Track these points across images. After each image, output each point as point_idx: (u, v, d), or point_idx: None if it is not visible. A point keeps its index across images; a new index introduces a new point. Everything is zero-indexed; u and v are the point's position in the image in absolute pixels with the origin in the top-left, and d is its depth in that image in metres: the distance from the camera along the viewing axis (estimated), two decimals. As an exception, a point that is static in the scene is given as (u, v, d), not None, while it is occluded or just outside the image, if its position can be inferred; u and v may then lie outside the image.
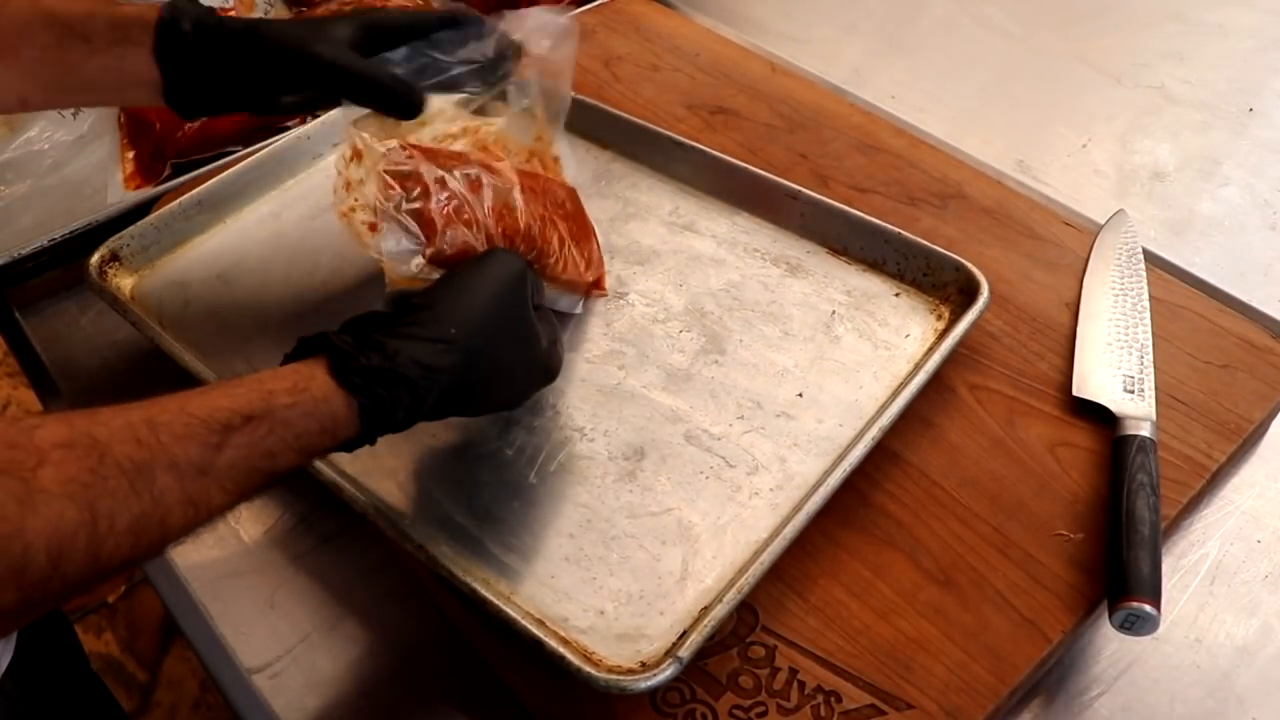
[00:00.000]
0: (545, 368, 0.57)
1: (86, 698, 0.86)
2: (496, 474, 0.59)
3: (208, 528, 0.43)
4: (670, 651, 0.49)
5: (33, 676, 0.66)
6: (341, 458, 0.59)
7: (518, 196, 0.58)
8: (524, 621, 0.50)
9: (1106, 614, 0.52)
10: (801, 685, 0.51)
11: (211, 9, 0.62)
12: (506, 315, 0.54)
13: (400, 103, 0.60)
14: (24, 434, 0.38)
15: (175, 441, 0.41)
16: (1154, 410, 0.61)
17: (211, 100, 0.62)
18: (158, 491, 0.40)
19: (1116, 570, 0.52)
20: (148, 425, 0.41)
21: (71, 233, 0.77)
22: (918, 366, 0.62)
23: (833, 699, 0.50)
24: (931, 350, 0.63)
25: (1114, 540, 0.54)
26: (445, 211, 0.55)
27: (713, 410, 0.62)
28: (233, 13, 0.94)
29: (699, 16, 0.99)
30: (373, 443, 0.49)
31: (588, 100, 0.80)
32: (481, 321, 0.52)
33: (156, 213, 0.74)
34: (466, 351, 0.50)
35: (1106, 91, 0.93)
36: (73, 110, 0.89)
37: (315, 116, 0.81)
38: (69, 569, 0.37)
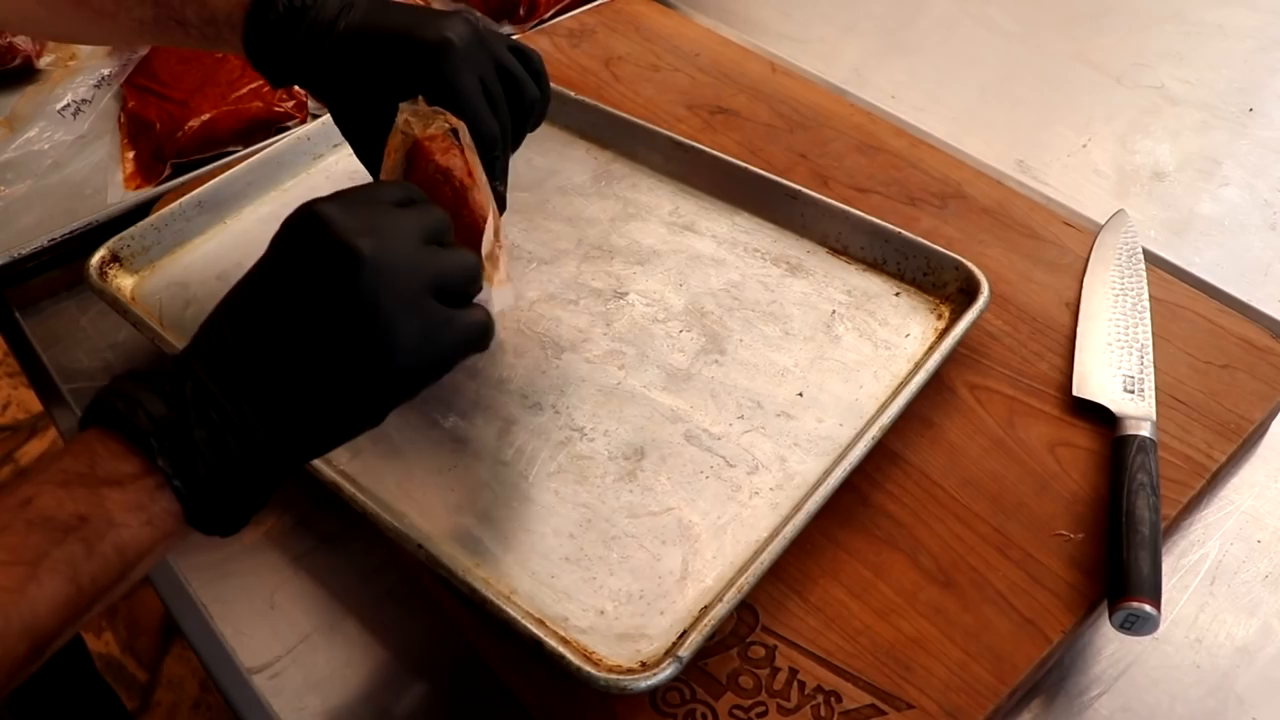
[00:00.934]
0: (433, 337, 0.44)
1: (91, 700, 0.86)
2: (496, 474, 0.59)
3: (48, 613, 0.38)
4: (670, 651, 0.49)
5: (38, 682, 0.66)
6: (341, 457, 0.60)
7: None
8: (524, 621, 0.50)
9: (1106, 614, 0.52)
10: (801, 685, 0.51)
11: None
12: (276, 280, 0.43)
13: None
14: None
15: None
16: (1154, 410, 0.61)
17: (303, 75, 0.61)
18: None
19: (1116, 570, 0.52)
20: None
21: (71, 233, 0.77)
22: (918, 366, 0.62)
23: (833, 699, 0.50)
24: (932, 350, 0.63)
25: (1114, 540, 0.54)
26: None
27: (713, 410, 0.62)
28: None
29: (699, 16, 0.99)
30: (194, 484, 0.41)
31: (588, 100, 0.80)
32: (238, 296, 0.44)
33: (156, 213, 0.74)
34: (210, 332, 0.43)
35: (1106, 91, 0.93)
36: (73, 110, 0.89)
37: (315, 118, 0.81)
38: None
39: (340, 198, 0.45)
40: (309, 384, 0.42)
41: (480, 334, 0.47)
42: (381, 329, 0.42)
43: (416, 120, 0.55)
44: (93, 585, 0.39)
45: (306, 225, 0.43)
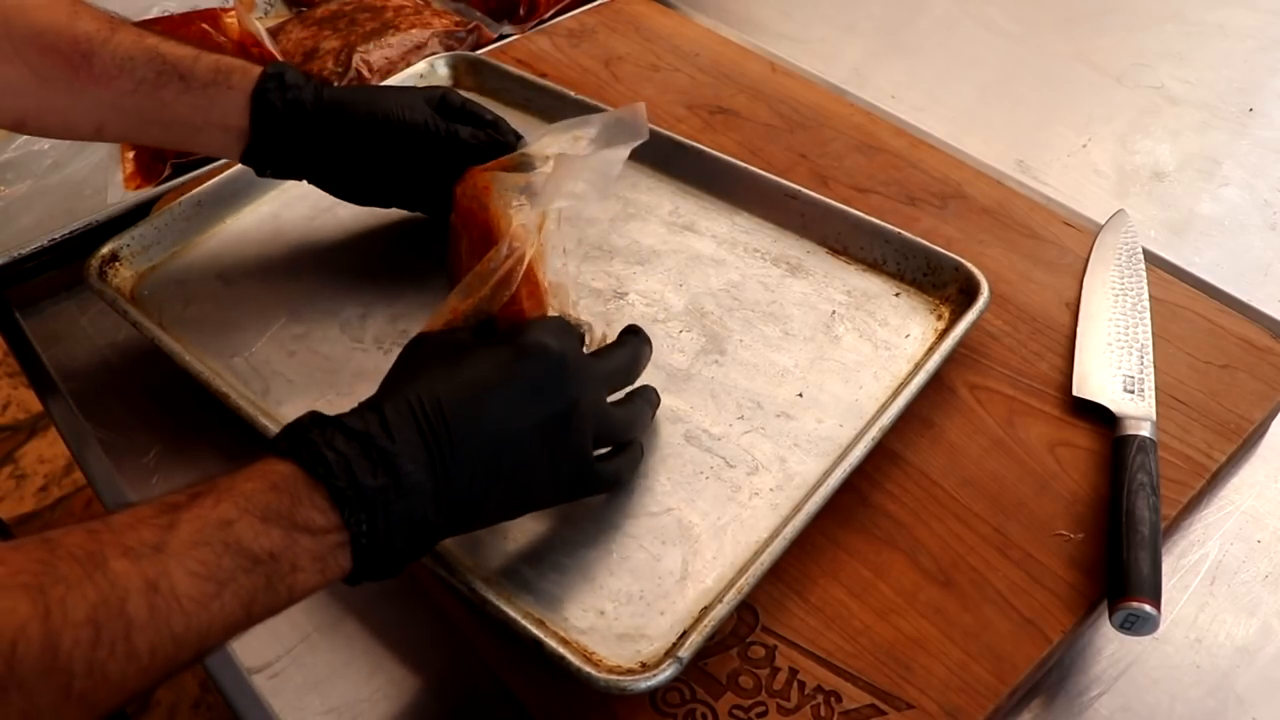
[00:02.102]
0: (590, 473, 0.53)
1: None
2: (496, 474, 0.59)
3: (208, 628, 0.40)
4: (670, 652, 0.49)
5: None
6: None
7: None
8: (524, 622, 0.50)
9: (1106, 614, 0.52)
10: (801, 685, 0.51)
11: (310, 76, 0.67)
12: (511, 409, 0.48)
13: (495, 147, 0.66)
14: None
15: (126, 528, 0.39)
16: (1154, 410, 0.61)
17: (288, 157, 0.66)
18: (113, 575, 0.37)
19: (1116, 570, 0.52)
20: (99, 520, 0.40)
21: (71, 233, 0.77)
22: (918, 366, 0.62)
23: (833, 699, 0.50)
24: (932, 350, 0.63)
25: (1114, 540, 0.54)
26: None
27: (713, 410, 0.62)
28: (232, 18, 0.94)
29: (699, 16, 0.99)
30: (375, 550, 0.44)
31: (588, 100, 0.80)
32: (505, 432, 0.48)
33: (156, 213, 0.74)
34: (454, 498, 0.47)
35: (1106, 91, 0.93)
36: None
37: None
38: (24, 669, 0.35)
39: (557, 336, 0.51)
40: (495, 474, 0.48)
41: (611, 480, 0.56)
42: (566, 447, 0.50)
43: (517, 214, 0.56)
44: (260, 614, 0.42)
45: (536, 350, 0.50)
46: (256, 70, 0.65)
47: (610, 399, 0.54)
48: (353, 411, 0.47)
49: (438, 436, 0.46)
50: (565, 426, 0.49)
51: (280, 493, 0.42)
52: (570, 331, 0.53)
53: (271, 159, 0.67)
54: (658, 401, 0.59)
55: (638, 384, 0.58)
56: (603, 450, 0.54)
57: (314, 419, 0.45)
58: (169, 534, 0.40)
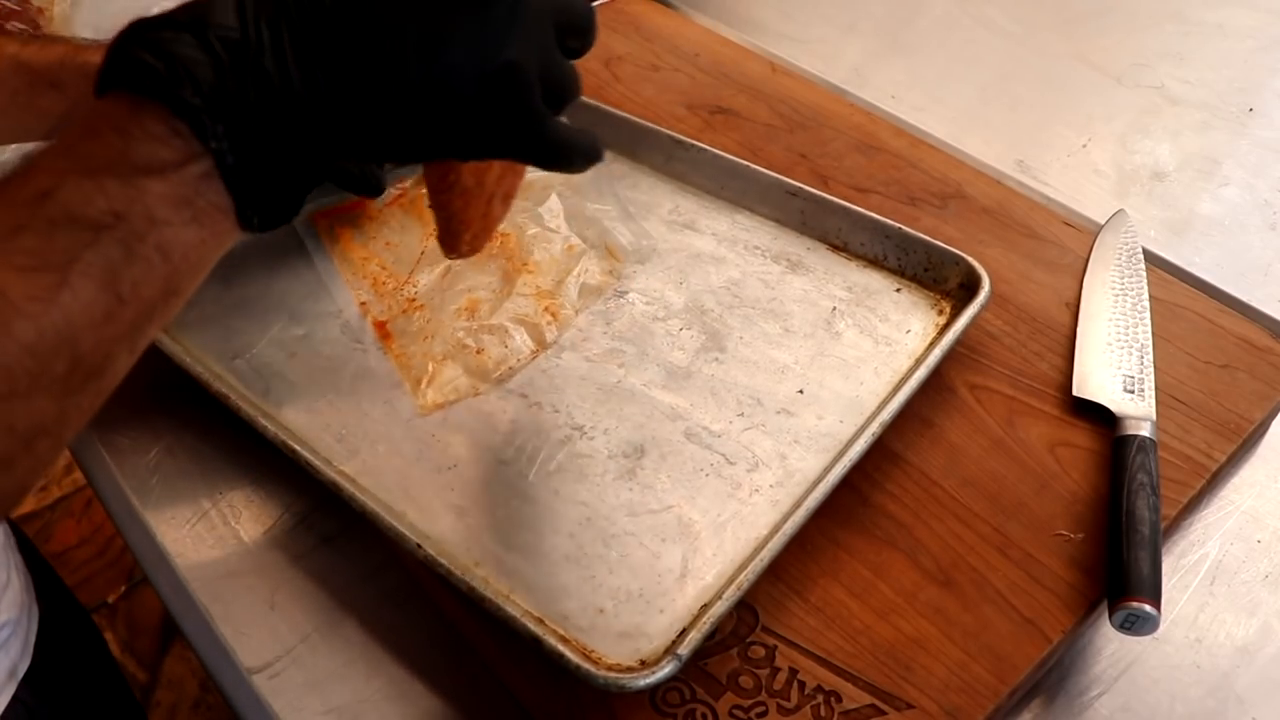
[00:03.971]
0: (527, 112, 0.39)
1: (109, 695, 0.85)
2: (496, 473, 0.59)
3: (92, 332, 0.33)
4: (670, 649, 0.49)
5: (55, 676, 0.66)
6: (341, 457, 0.60)
7: None
8: (523, 620, 0.50)
9: (1106, 614, 0.52)
10: (801, 685, 0.51)
11: None
12: None
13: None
14: None
15: None
16: (1154, 410, 0.61)
17: None
18: None
19: (1116, 570, 0.52)
20: None
21: (71, 232, 0.76)
22: (919, 362, 0.62)
23: (833, 699, 0.50)
24: (933, 345, 0.63)
25: (1114, 540, 0.54)
26: None
27: (713, 407, 0.62)
28: None
29: (699, 16, 0.99)
30: (250, 170, 0.35)
31: (587, 100, 0.80)
32: None
33: (156, 212, 0.74)
34: None
35: (1106, 91, 0.93)
36: (72, 109, 0.89)
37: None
38: None
39: None
40: (404, 51, 0.35)
41: (549, 132, 0.41)
42: (497, 62, 0.37)
43: None
44: (135, 294, 0.34)
45: None
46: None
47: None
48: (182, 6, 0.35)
49: (321, 23, 0.34)
50: (503, 39, 0.36)
51: (103, 135, 0.33)
52: None
53: None
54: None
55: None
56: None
57: (131, 26, 0.34)
58: None
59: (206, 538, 0.61)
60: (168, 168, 0.33)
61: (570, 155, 0.43)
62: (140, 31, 0.34)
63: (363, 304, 0.69)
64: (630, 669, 0.49)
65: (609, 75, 0.90)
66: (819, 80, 0.90)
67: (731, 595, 0.51)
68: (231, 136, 0.34)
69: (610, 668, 0.49)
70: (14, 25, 0.92)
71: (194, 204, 0.34)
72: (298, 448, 0.58)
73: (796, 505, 0.54)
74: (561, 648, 0.49)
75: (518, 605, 0.51)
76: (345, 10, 0.35)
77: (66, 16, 0.97)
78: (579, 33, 0.42)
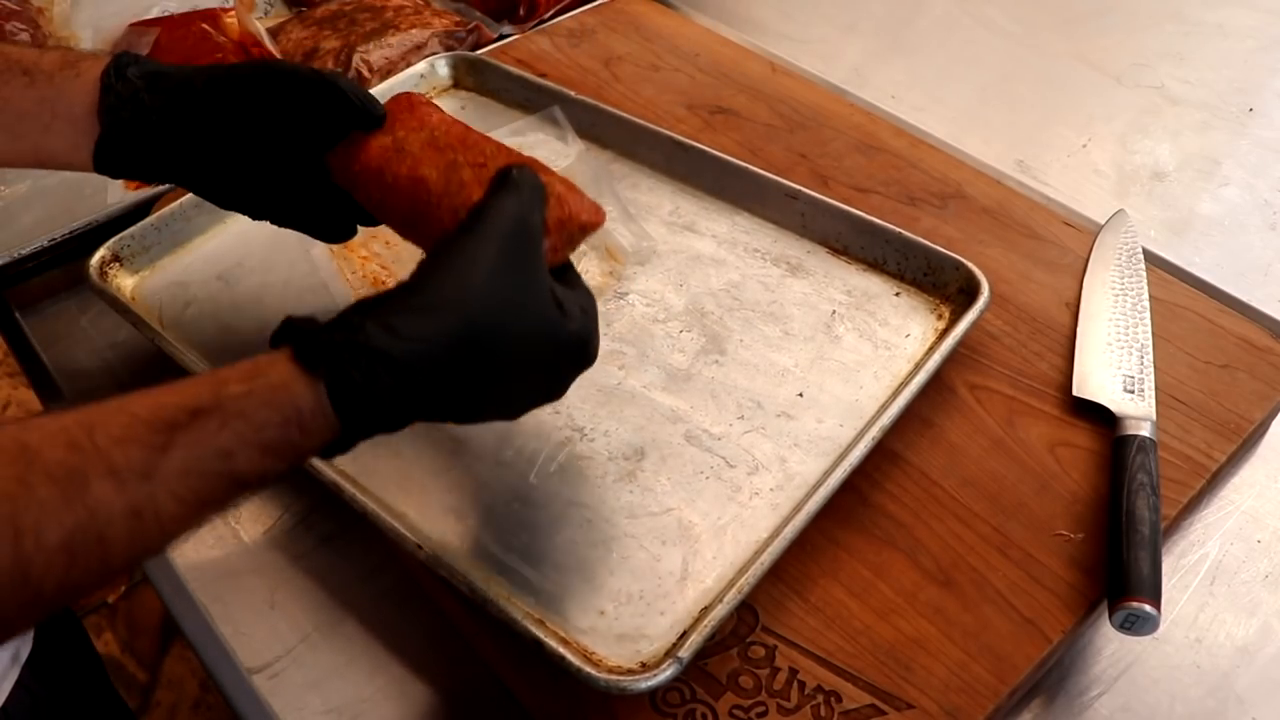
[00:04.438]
0: (575, 346, 0.48)
1: (97, 693, 0.86)
2: (496, 475, 0.59)
3: (176, 539, 0.39)
4: (670, 652, 0.49)
5: (48, 670, 0.66)
6: (341, 458, 0.60)
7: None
8: (524, 622, 0.50)
9: (1106, 614, 0.52)
10: (801, 685, 0.51)
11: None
12: (511, 267, 0.45)
13: (364, 111, 0.55)
14: None
15: (114, 445, 0.36)
16: (1154, 410, 0.61)
17: (147, 147, 0.57)
18: (94, 501, 0.35)
19: (1116, 570, 0.52)
20: (83, 428, 0.36)
21: (71, 233, 0.77)
22: (918, 366, 0.62)
23: (833, 699, 0.50)
24: (932, 350, 0.63)
25: (1114, 540, 0.54)
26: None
27: (713, 410, 0.62)
28: (232, 18, 0.94)
29: (699, 16, 0.99)
30: (362, 435, 0.42)
31: (588, 100, 0.80)
32: (475, 279, 0.43)
33: (157, 213, 0.74)
34: (456, 316, 0.42)
35: (1106, 91, 0.93)
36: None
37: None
38: None
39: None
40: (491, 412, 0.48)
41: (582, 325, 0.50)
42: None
43: None
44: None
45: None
46: (108, 57, 0.57)
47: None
48: (377, 324, 0.42)
49: (427, 286, 0.43)
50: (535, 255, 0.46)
51: (291, 426, 0.39)
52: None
53: (126, 152, 0.57)
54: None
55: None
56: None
57: (344, 331, 0.41)
58: (161, 458, 0.36)
59: (206, 538, 0.61)
60: (318, 446, 0.41)
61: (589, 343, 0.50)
62: (351, 346, 0.41)
63: (363, 305, 0.69)
64: (631, 671, 0.49)
65: (609, 75, 0.90)
66: (819, 80, 0.90)
67: (732, 599, 0.51)
68: (332, 374, 0.41)
69: (611, 670, 0.49)
70: (14, 25, 0.91)
71: (314, 438, 0.42)
72: (298, 449, 0.58)
73: (796, 509, 0.54)
74: (563, 650, 0.49)
75: (518, 607, 0.51)
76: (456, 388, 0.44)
77: (66, 16, 0.97)
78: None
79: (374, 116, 0.56)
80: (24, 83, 0.56)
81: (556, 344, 0.47)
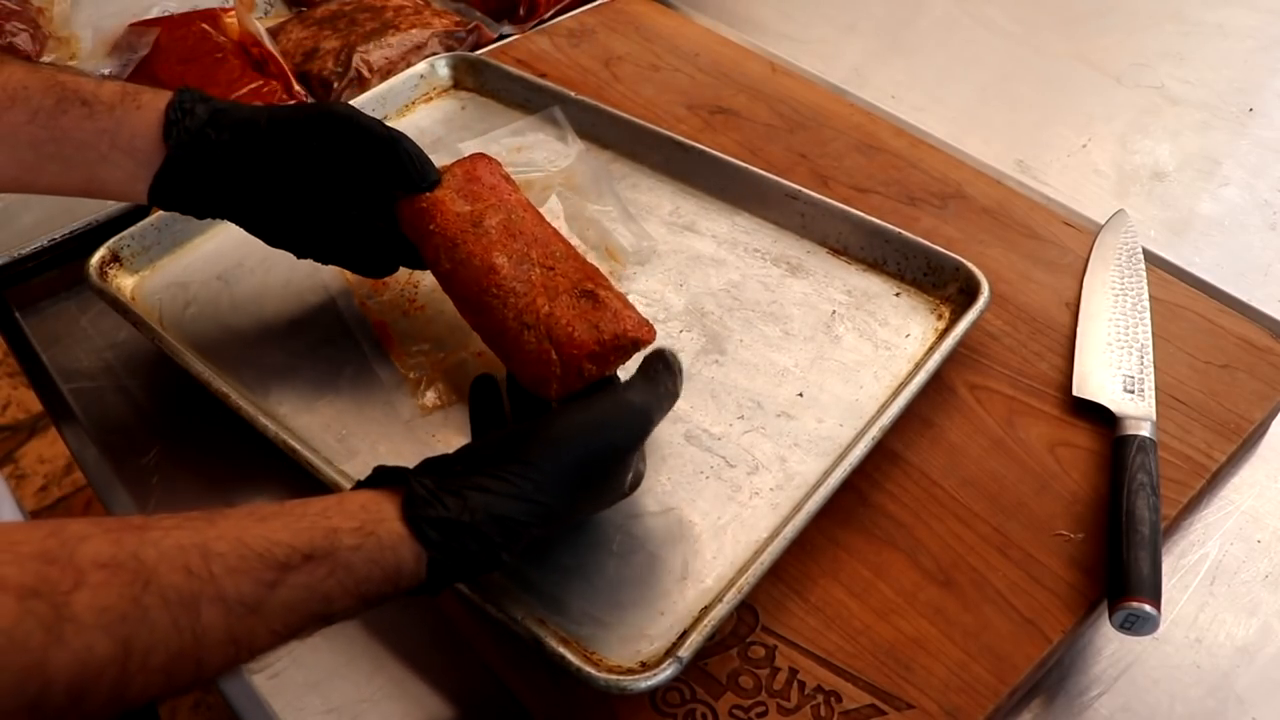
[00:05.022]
0: (621, 497, 0.53)
1: None
2: (496, 474, 0.59)
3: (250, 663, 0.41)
4: (670, 652, 0.49)
5: None
6: (340, 457, 0.60)
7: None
8: (525, 621, 0.50)
9: (1106, 614, 0.52)
10: (801, 685, 0.51)
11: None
12: (607, 471, 0.49)
13: (419, 178, 0.58)
14: (65, 547, 0.35)
15: (228, 574, 0.38)
16: (1154, 410, 0.61)
17: (208, 180, 0.58)
18: (201, 629, 0.37)
19: (1116, 570, 0.52)
20: (200, 553, 0.38)
21: (71, 233, 0.77)
22: (918, 366, 0.62)
23: (833, 699, 0.50)
24: (932, 350, 0.63)
25: (1114, 540, 0.54)
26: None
27: (713, 410, 0.62)
28: (232, 18, 0.94)
29: (699, 16, 0.99)
30: (435, 594, 0.46)
31: (588, 100, 0.80)
32: (577, 480, 0.47)
33: (157, 213, 0.74)
34: (555, 511, 0.46)
35: (1106, 91, 0.93)
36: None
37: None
38: (90, 706, 0.34)
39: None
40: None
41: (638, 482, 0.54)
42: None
43: None
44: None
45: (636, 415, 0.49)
46: (169, 92, 0.58)
47: None
48: (482, 509, 0.45)
49: (535, 478, 0.46)
50: (623, 464, 0.50)
51: (389, 583, 0.43)
52: (654, 382, 0.51)
53: (186, 185, 0.58)
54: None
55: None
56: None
57: (454, 502, 0.44)
58: (269, 595, 0.39)
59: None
60: (404, 591, 0.44)
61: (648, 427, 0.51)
62: (456, 526, 0.44)
63: (363, 304, 0.69)
64: (631, 671, 0.49)
65: (609, 75, 0.90)
66: (819, 80, 0.90)
67: (732, 599, 0.51)
68: (441, 550, 0.44)
69: (611, 670, 0.49)
70: (14, 25, 0.91)
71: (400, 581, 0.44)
72: (298, 447, 0.58)
73: (796, 509, 0.54)
74: (563, 650, 0.49)
75: (519, 607, 0.51)
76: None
77: (66, 16, 0.97)
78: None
79: (427, 183, 0.59)
80: (83, 113, 0.57)
81: (611, 502, 0.53)
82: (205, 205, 0.60)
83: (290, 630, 0.40)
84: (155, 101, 0.58)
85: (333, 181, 0.59)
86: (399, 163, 0.58)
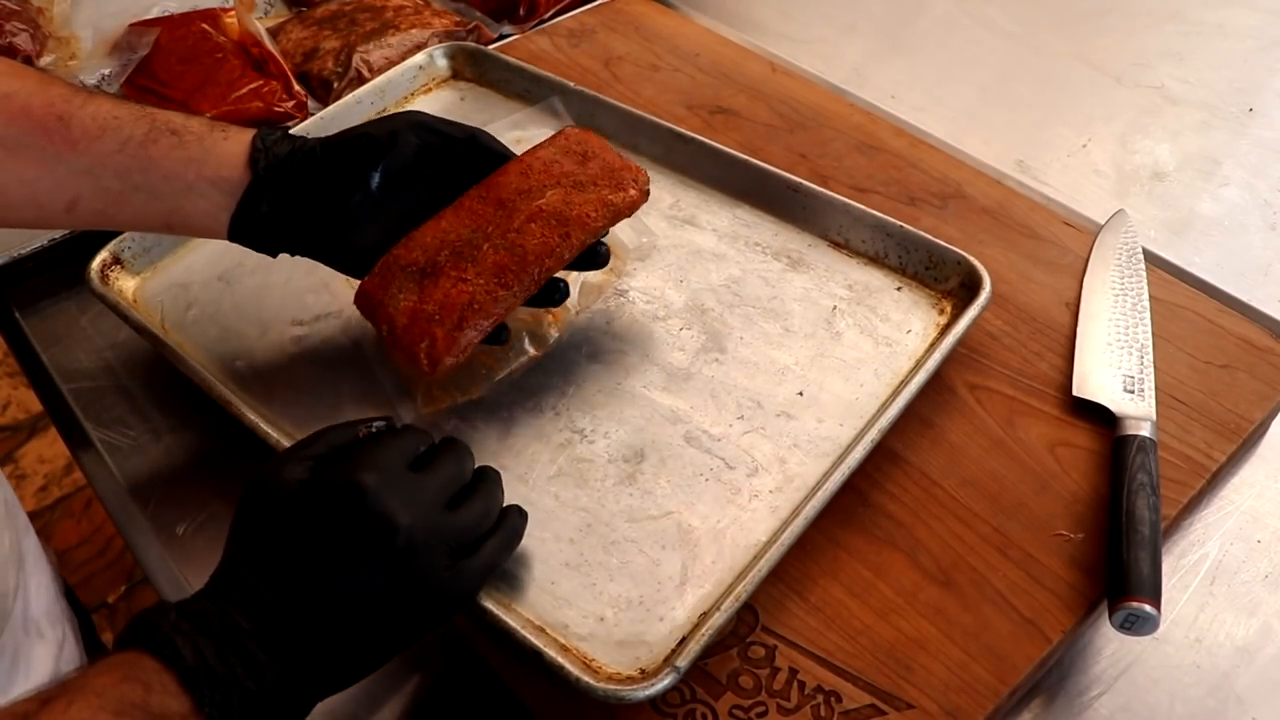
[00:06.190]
0: (450, 592, 0.48)
1: None
2: (497, 474, 0.59)
3: None
4: (669, 659, 0.49)
5: None
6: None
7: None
8: (524, 631, 0.50)
9: (1106, 614, 0.52)
10: (801, 685, 0.51)
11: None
12: (352, 561, 0.46)
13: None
14: None
15: None
16: (1154, 410, 0.61)
17: (291, 212, 0.58)
18: None
19: (1116, 570, 0.52)
20: None
21: (71, 233, 0.77)
22: (919, 363, 0.62)
23: (833, 699, 0.50)
24: (934, 346, 0.63)
25: (1114, 540, 0.54)
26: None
27: (713, 410, 0.62)
28: (232, 18, 0.94)
29: (699, 16, 0.99)
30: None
31: (587, 91, 0.80)
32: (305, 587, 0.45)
33: (156, 213, 0.74)
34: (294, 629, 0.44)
35: (1106, 91, 0.93)
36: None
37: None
38: None
39: (375, 468, 0.47)
40: (347, 632, 0.46)
41: (475, 587, 0.50)
42: (413, 584, 0.46)
43: None
44: None
45: (350, 494, 0.46)
46: (253, 129, 0.59)
47: (454, 502, 0.50)
48: (198, 595, 0.45)
49: (279, 611, 0.44)
50: (408, 565, 0.46)
51: (133, 682, 0.41)
52: (395, 462, 0.48)
53: (270, 213, 0.58)
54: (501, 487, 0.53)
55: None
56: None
57: (159, 607, 0.44)
58: None
59: (207, 537, 0.61)
60: (174, 716, 0.41)
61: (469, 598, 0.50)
62: (163, 610, 0.44)
63: (363, 305, 0.69)
64: (630, 679, 0.49)
65: (609, 75, 0.90)
66: (819, 80, 0.90)
67: (730, 605, 0.50)
68: (224, 705, 0.42)
69: (610, 678, 0.49)
70: (14, 25, 0.91)
71: None
72: (298, 449, 0.58)
73: (796, 512, 0.54)
74: (561, 659, 0.49)
75: (518, 615, 0.51)
76: (298, 613, 0.45)
77: (66, 16, 0.97)
78: (468, 490, 0.51)
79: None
80: (172, 142, 0.57)
81: (427, 595, 0.48)
82: (287, 235, 0.60)
83: None
84: (241, 134, 0.58)
85: (420, 190, 0.60)
86: (484, 156, 0.61)
